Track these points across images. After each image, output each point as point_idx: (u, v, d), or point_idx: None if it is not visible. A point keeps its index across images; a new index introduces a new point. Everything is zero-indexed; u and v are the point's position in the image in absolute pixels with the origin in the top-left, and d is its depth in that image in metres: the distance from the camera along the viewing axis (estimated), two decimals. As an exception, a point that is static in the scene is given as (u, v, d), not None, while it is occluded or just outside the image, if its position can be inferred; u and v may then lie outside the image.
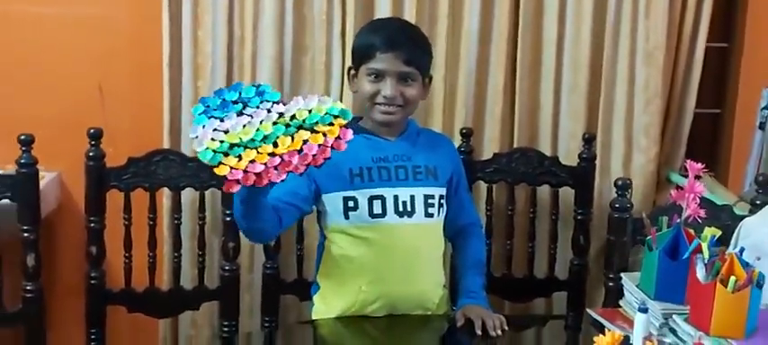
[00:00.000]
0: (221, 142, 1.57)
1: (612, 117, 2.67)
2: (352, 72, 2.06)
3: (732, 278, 1.63)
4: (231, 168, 1.54)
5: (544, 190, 2.61)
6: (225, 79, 2.50)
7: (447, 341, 2.02)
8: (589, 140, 2.56)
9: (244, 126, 1.60)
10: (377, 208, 1.95)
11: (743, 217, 2.08)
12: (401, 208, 1.96)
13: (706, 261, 1.69)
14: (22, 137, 2.12)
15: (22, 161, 2.12)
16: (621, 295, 1.97)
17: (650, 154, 2.67)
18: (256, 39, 2.50)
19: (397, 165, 2.01)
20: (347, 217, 1.96)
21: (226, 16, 2.46)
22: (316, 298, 2.06)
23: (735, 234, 2.03)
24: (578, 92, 2.65)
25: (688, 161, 1.85)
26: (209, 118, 1.61)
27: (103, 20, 2.53)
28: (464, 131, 2.54)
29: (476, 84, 2.62)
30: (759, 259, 1.69)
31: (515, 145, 2.64)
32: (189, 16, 2.45)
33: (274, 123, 1.61)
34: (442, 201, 2.05)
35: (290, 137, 1.60)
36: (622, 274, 1.97)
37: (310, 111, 1.64)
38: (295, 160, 1.57)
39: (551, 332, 2.18)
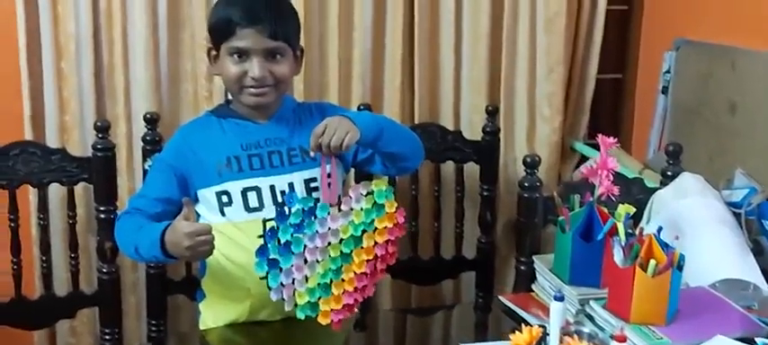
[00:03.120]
0: (309, 289, 1.59)
1: (514, 87, 2.56)
2: (213, 52, 1.81)
3: (652, 262, 1.53)
4: (332, 311, 1.59)
5: (448, 167, 2.48)
6: (92, 60, 2.26)
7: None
8: (492, 112, 2.44)
9: (318, 260, 1.60)
10: (253, 201, 1.74)
11: (654, 190, 2.00)
12: (280, 199, 1.72)
13: (623, 244, 1.58)
14: None
15: None
16: (534, 278, 1.85)
17: (554, 123, 2.58)
18: (125, 11, 2.26)
19: (270, 151, 1.78)
20: (223, 214, 1.75)
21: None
22: (202, 307, 1.85)
23: (647, 208, 1.95)
24: (479, 62, 2.53)
25: (600, 135, 1.73)
26: (278, 269, 1.58)
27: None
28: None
29: (372, 58, 2.46)
30: (678, 238, 1.59)
31: (416, 121, 2.50)
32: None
33: (341, 240, 1.61)
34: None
35: (362, 250, 1.61)
36: (535, 257, 1.86)
37: (362, 209, 1.62)
38: (378, 267, 1.64)
39: (461, 316, 2.06)
